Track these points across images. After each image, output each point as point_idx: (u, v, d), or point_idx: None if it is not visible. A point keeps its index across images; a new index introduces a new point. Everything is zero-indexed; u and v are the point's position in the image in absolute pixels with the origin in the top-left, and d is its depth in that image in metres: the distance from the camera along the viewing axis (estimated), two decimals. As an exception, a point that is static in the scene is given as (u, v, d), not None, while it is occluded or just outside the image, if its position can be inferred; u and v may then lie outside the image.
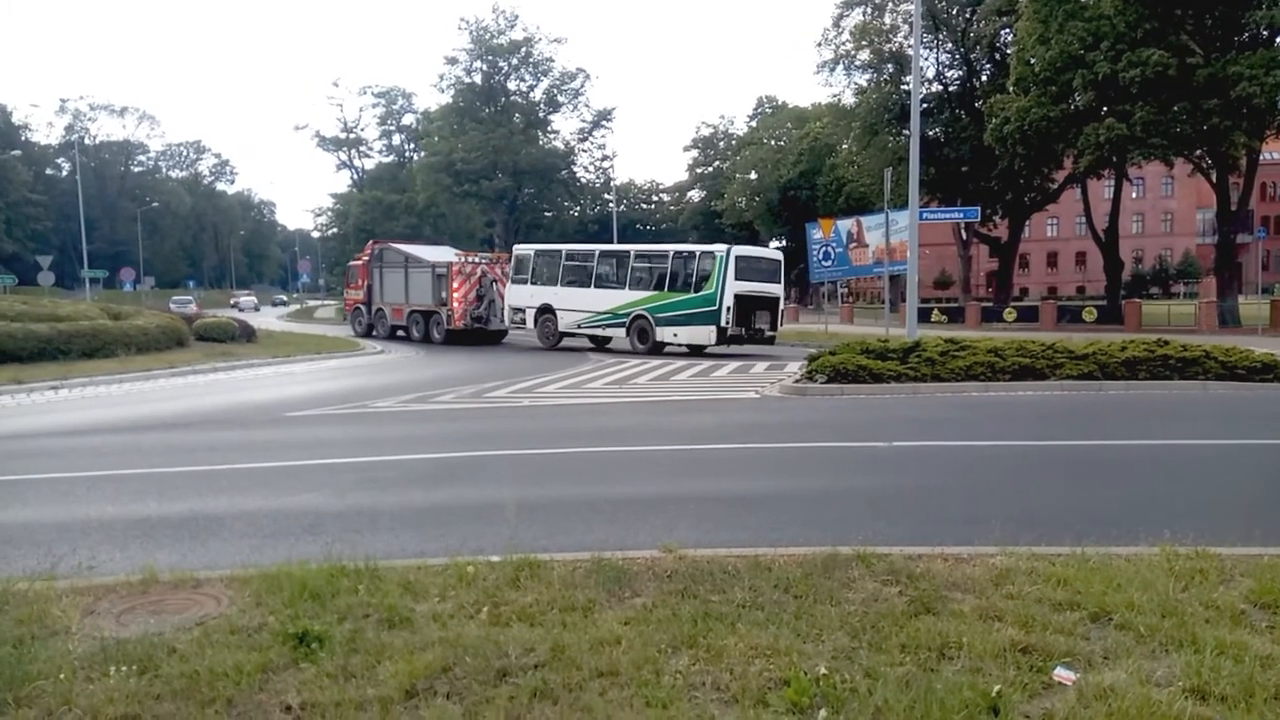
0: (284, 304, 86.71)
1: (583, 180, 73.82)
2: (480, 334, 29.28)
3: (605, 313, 25.58)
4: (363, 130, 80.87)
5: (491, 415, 13.57)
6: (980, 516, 6.45)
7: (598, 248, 28.91)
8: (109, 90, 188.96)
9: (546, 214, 73.66)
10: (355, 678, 3.78)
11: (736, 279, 23.31)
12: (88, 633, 4.32)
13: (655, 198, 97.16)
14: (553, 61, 64.37)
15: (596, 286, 26.15)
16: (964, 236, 51.47)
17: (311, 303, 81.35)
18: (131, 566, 5.43)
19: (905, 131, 42.70)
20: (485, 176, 61.42)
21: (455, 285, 28.70)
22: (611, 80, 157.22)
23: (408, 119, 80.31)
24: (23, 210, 78.05)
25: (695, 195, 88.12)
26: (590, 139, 68.84)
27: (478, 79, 63.58)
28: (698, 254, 24.71)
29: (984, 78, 46.22)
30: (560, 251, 28.35)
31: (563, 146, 68.17)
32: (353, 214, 68.97)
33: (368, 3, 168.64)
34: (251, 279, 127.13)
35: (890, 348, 16.80)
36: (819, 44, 51.20)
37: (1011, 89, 37.35)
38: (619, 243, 42.48)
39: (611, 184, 72.49)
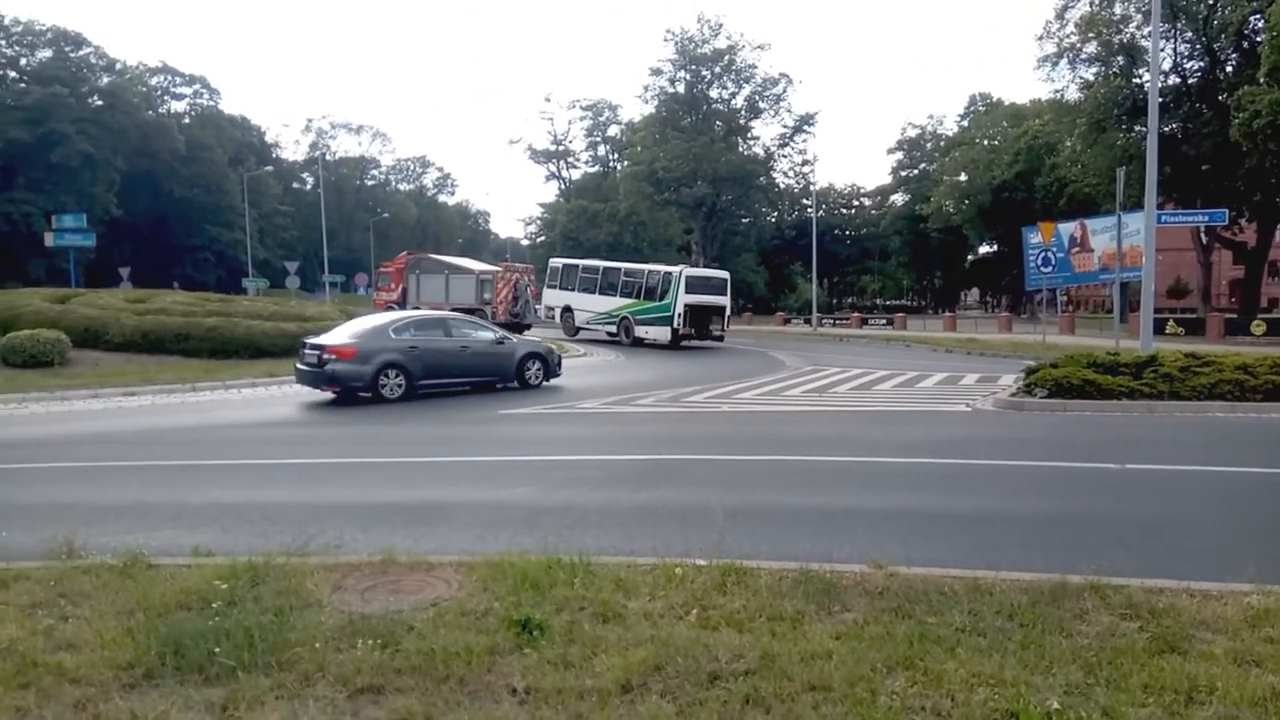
0: None
1: (781, 186, 73.27)
2: (516, 327, 31.25)
3: (604, 313, 32.97)
4: (571, 142, 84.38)
5: (691, 419, 13.73)
6: (1232, 551, 5.83)
7: (602, 264, 36.33)
8: (348, 110, 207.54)
9: (743, 220, 73.71)
10: (574, 667, 3.94)
11: (687, 293, 30.25)
12: (336, 606, 4.75)
13: (856, 202, 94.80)
14: (755, 68, 64.46)
15: (600, 293, 33.50)
16: (1204, 241, 46.63)
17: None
18: (372, 547, 5.92)
19: (1137, 128, 39.23)
20: (685, 184, 62.33)
21: (499, 288, 34.31)
22: (814, 83, 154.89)
23: (613, 130, 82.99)
24: (274, 221, 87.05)
25: (898, 199, 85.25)
26: (791, 144, 68.24)
27: (680, 88, 64.64)
28: (661, 273, 32.16)
29: (1229, 68, 41.69)
30: (578, 265, 36.20)
31: (762, 153, 68.00)
32: (559, 222, 72.00)
33: (581, 20, 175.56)
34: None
35: (1121, 361, 15.46)
36: (1040, 37, 47.76)
37: (1263, 80, 33.43)
38: (817, 249, 50.74)
39: (811, 189, 71.47)
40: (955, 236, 72.00)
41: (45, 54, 68.22)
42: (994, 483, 9.05)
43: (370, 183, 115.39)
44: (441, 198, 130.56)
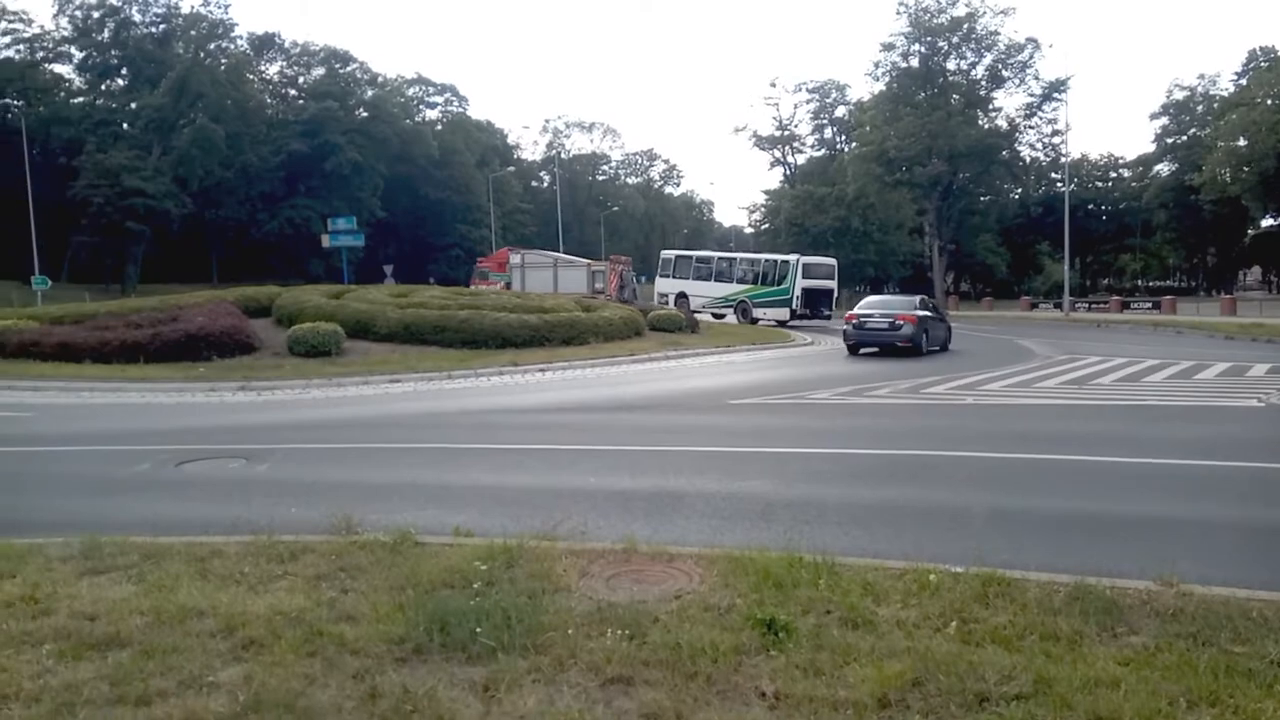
0: None
1: (1027, 160, 68.00)
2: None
3: (720, 298, 36.47)
4: (796, 126, 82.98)
5: (932, 412, 13.01)
6: None
7: (716, 254, 42.58)
8: (581, 109, 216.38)
9: (983, 198, 69.19)
10: (824, 675, 3.76)
11: (804, 278, 34.12)
12: (584, 593, 4.85)
13: (1113, 174, 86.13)
14: (997, 35, 60.00)
15: (715, 280, 37.59)
16: None
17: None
18: (613, 535, 6.03)
19: None
20: (919, 163, 59.46)
21: (610, 278, 39.34)
22: (1064, 46, 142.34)
23: (840, 111, 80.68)
24: (515, 218, 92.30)
25: (1163, 169, 76.50)
26: (1038, 114, 62.99)
27: (914, 62, 61.56)
28: (779, 260, 36.21)
29: None
30: (691, 256, 41.55)
31: (1005, 125, 63.37)
32: (784, 209, 71.06)
33: (807, 2, 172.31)
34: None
35: None
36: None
37: None
38: (1070, 226, 49.30)
39: (1062, 162, 65.68)
40: (1232, 209, 63.56)
41: (319, 72, 76.31)
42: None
43: (601, 178, 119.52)
44: (668, 189, 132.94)
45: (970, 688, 3.61)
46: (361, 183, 70.82)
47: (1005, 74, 61.39)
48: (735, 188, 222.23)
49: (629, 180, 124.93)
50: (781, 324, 34.01)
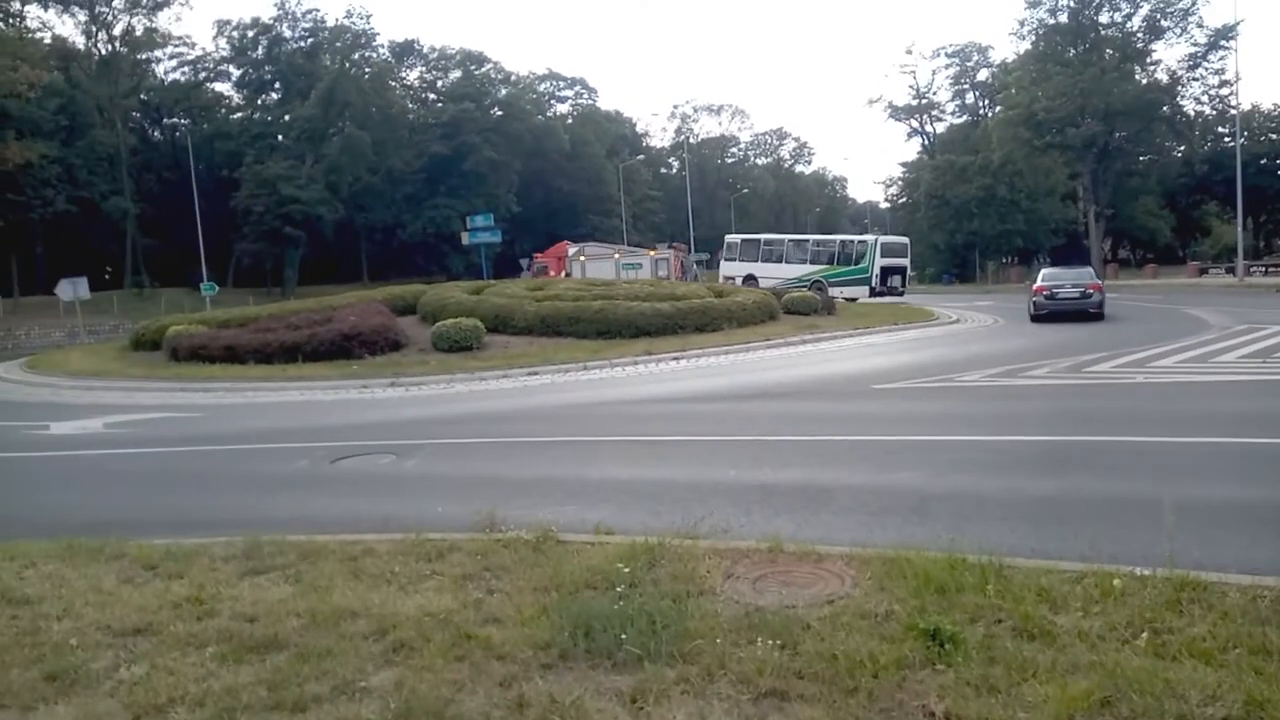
0: None
1: (1191, 114, 62.65)
2: None
3: (793, 279, 36.07)
4: (935, 94, 79.62)
5: (1099, 393, 12.08)
6: None
7: (787, 237, 44.05)
8: (709, 91, 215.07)
9: (1142, 159, 64.24)
10: (999, 693, 3.44)
11: (882, 256, 35.99)
12: (730, 596, 4.66)
13: (1293, 124, 78.30)
14: (1155, -20, 55.49)
15: (786, 262, 38.88)
16: None
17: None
18: (756, 532, 5.82)
19: None
20: (1070, 124, 55.75)
21: (673, 265, 41.95)
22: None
23: (982, 75, 76.78)
24: (645, 205, 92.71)
25: (1356, 115, 68.91)
26: (1203, 65, 57.89)
27: (1063, 18, 57.70)
28: (856, 241, 39.15)
29: None
30: (759, 239, 42.34)
31: (1166, 78, 58.55)
32: (924, 181, 68.34)
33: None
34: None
35: None
36: None
37: None
38: (1242, 184, 47.18)
39: (1231, 115, 60.17)
40: None
41: (456, 75, 78.79)
42: None
43: (729, 160, 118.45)
44: (798, 168, 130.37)
45: (1169, 709, 3.23)
46: (497, 180, 72.75)
47: (1164, 23, 56.67)
48: (869, 162, 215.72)
49: (758, 161, 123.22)
50: (851, 301, 35.63)
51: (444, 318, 21.28)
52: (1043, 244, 68.24)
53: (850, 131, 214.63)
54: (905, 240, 40.99)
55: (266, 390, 16.98)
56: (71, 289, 33.18)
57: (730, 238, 44.17)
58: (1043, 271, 26.50)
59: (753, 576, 4.98)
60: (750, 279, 38.74)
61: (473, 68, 78.84)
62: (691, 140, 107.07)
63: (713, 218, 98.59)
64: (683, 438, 10.18)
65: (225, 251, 61.91)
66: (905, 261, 38.58)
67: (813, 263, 38.40)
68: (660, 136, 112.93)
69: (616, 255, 42.35)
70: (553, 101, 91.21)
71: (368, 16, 71.81)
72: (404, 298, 25.34)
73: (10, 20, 54.76)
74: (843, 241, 39.88)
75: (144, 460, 11.10)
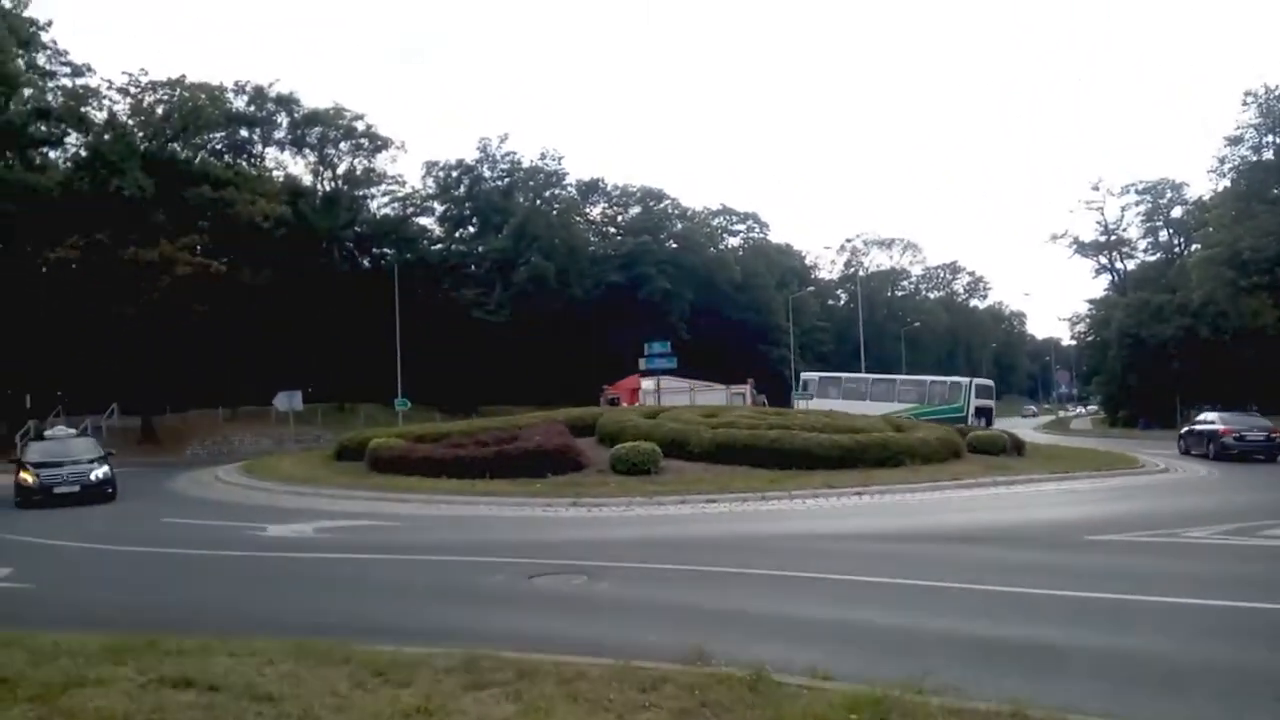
0: (1033, 415, 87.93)
1: None
2: None
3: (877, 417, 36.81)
4: (1124, 230, 76.20)
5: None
6: None
7: (871, 376, 46.98)
8: (880, 225, 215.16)
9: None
10: None
11: (975, 397, 39.99)
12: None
13: None
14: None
15: (870, 400, 40.51)
16: None
17: (1063, 413, 78.87)
18: (985, 691, 5.39)
19: None
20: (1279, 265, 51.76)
21: (747, 398, 41.65)
22: None
23: (1176, 211, 73.02)
24: (813, 336, 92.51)
25: None
26: None
27: (1269, 154, 54.59)
28: (949, 382, 43.13)
29: None
30: (840, 377, 45.71)
31: (1396, 213, 53.65)
32: (1115, 319, 64.70)
33: (1129, 99, 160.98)
34: (1001, 390, 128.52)
35: None
36: None
37: None
38: None
39: None
40: None
41: (635, 210, 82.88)
42: None
43: (900, 293, 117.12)
44: (973, 302, 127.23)
45: None
46: (670, 308, 74.78)
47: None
48: (1050, 298, 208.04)
49: (930, 294, 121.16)
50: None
51: (622, 440, 21.67)
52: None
53: (1029, 267, 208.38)
54: (991, 383, 47.74)
55: (458, 503, 17.70)
56: (288, 400, 36.32)
57: (807, 375, 46.26)
58: (1219, 414, 29.89)
59: (997, 742, 4.60)
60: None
61: (651, 203, 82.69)
62: (861, 273, 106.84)
63: (882, 349, 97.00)
64: (881, 579, 9.71)
65: (415, 369, 66.16)
66: (991, 402, 42.02)
67: (899, 400, 40.44)
68: (829, 269, 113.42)
69: (691, 389, 41.19)
70: (725, 235, 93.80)
71: (560, 159, 76.81)
72: (583, 419, 26.06)
73: (252, 161, 62.49)
74: (934, 382, 43.47)
75: (352, 566, 11.73)
